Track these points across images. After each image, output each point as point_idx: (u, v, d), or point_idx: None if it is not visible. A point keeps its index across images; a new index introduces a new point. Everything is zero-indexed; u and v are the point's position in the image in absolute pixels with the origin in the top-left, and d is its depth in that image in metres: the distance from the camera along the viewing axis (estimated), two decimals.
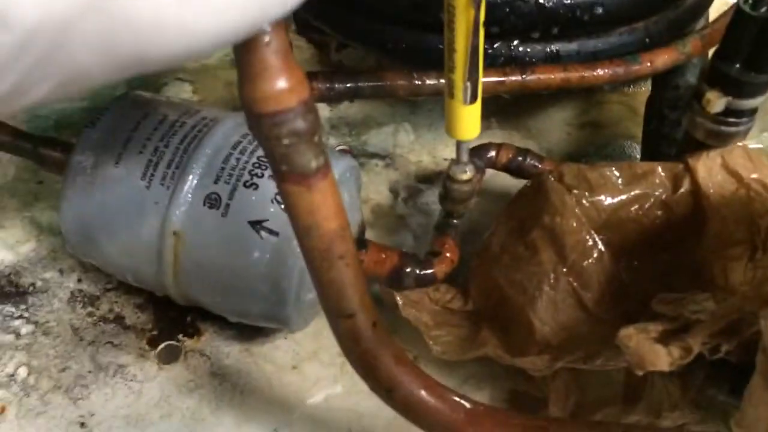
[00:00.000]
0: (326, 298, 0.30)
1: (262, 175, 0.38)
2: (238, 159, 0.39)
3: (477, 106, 0.35)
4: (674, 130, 0.48)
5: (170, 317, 0.46)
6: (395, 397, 0.32)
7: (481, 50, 0.33)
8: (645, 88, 0.60)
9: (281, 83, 0.25)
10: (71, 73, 0.18)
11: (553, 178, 0.41)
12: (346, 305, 0.30)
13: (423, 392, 0.32)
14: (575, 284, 0.38)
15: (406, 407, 0.32)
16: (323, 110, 0.60)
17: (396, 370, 0.31)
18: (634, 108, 0.61)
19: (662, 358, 0.31)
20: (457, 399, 0.32)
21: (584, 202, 0.40)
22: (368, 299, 0.31)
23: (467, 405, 0.32)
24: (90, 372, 0.44)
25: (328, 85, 0.45)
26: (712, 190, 0.40)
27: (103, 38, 0.17)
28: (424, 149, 0.59)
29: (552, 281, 0.38)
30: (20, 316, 0.46)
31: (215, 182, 0.38)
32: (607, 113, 0.62)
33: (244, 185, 0.38)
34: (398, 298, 0.41)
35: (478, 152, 0.48)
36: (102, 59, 0.18)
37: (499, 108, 0.61)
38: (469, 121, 0.36)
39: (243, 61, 0.24)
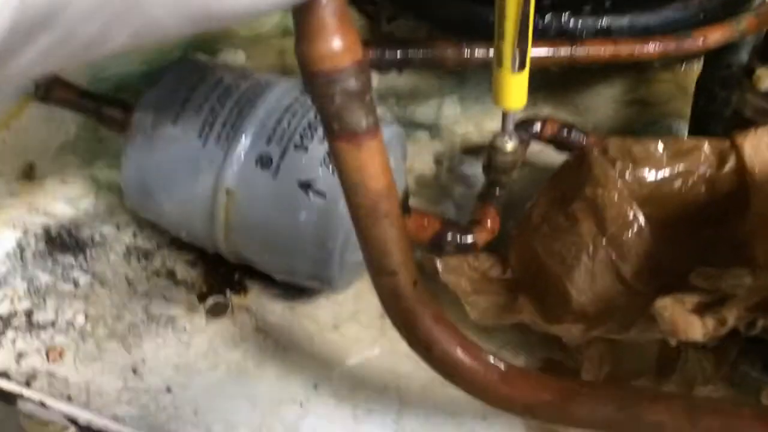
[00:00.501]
0: (370, 254, 0.31)
1: (312, 138, 0.39)
2: (289, 122, 0.40)
3: (524, 76, 0.36)
4: (723, 108, 0.48)
5: (219, 274, 0.48)
6: (432, 355, 0.33)
7: (532, 18, 0.34)
8: (697, 67, 0.59)
9: (336, 43, 0.26)
10: (146, 25, 0.19)
11: (596, 151, 0.41)
12: (388, 262, 0.31)
13: (459, 351, 0.33)
14: (614, 256, 0.39)
15: (442, 365, 0.33)
16: (372, 80, 0.61)
17: (434, 328, 0.32)
18: (684, 87, 0.61)
19: (697, 328, 0.32)
20: (492, 359, 0.33)
21: (627, 175, 0.40)
22: (410, 258, 0.32)
23: (501, 366, 0.33)
24: (143, 322, 0.46)
25: (379, 53, 0.46)
26: (757, 168, 0.39)
27: None
28: (470, 121, 0.59)
29: (591, 252, 0.39)
30: (79, 267, 0.49)
31: (267, 143, 0.40)
32: (656, 91, 0.61)
33: (295, 147, 0.40)
34: (438, 264, 0.42)
35: (523, 125, 0.48)
36: (173, 12, 0.19)
37: (546, 83, 0.61)
38: (516, 90, 0.37)
39: (300, 21, 0.26)
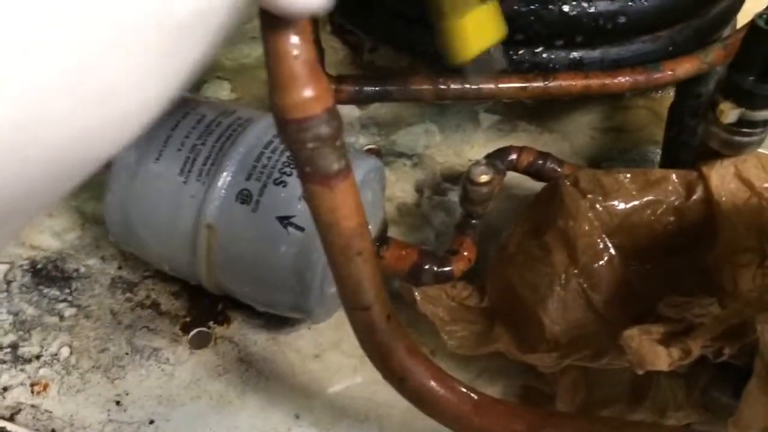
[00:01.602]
0: (344, 290, 0.32)
1: (291, 174, 0.40)
2: (269, 158, 0.41)
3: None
4: (693, 138, 0.49)
5: (202, 305, 0.49)
6: (407, 387, 0.34)
7: None
8: (672, 93, 0.60)
9: (307, 92, 0.27)
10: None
11: (568, 183, 0.42)
12: (362, 298, 0.32)
13: (433, 383, 0.34)
14: (585, 285, 0.40)
15: (416, 396, 0.34)
16: (353, 110, 0.62)
17: (408, 361, 0.33)
18: (659, 113, 0.62)
19: (662, 359, 0.33)
20: (465, 390, 0.34)
21: (598, 206, 0.41)
22: (383, 293, 0.33)
23: (475, 396, 0.34)
24: (127, 354, 0.47)
25: (357, 88, 0.47)
26: (724, 198, 0.41)
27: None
28: (450, 149, 0.61)
29: (563, 282, 0.40)
30: (64, 300, 0.49)
31: (247, 179, 0.41)
32: (633, 118, 0.63)
33: (274, 183, 0.41)
34: (416, 294, 0.43)
35: (499, 155, 0.49)
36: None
37: (525, 111, 0.63)
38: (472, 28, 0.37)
39: (273, 71, 0.27)
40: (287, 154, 0.41)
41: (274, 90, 0.27)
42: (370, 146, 0.60)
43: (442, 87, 0.47)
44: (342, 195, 0.29)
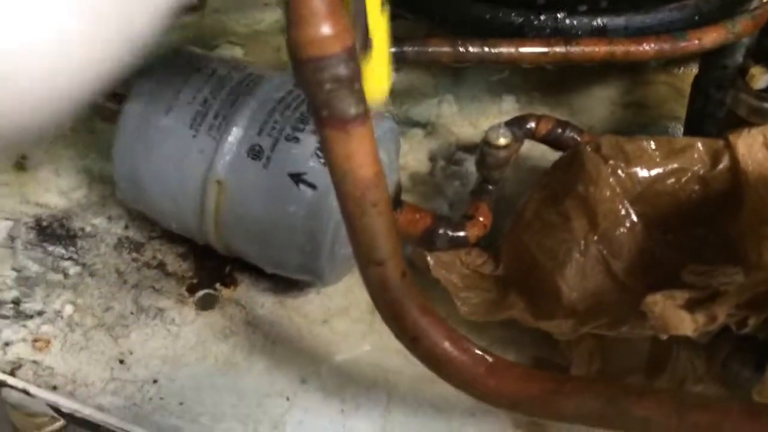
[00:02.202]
0: (358, 244, 0.31)
1: (304, 129, 0.39)
2: (282, 113, 0.40)
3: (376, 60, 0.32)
4: (718, 110, 0.48)
5: (209, 267, 0.48)
6: (419, 347, 0.33)
7: None
8: (694, 69, 0.59)
9: (326, 29, 0.26)
10: None
11: (589, 149, 0.41)
12: (376, 252, 0.31)
13: (447, 343, 0.32)
14: (605, 252, 0.39)
15: (429, 357, 0.33)
16: None
17: (421, 320, 0.32)
18: (681, 89, 0.61)
19: (687, 323, 0.32)
20: (479, 352, 0.33)
21: (620, 173, 0.40)
22: (399, 249, 0.32)
23: (489, 358, 0.33)
24: (132, 313, 0.46)
25: None
26: (751, 168, 0.39)
27: None
28: (465, 120, 0.59)
29: (582, 248, 0.39)
30: (69, 258, 0.49)
31: (259, 134, 0.40)
32: (653, 93, 0.61)
33: (286, 138, 0.39)
34: (429, 259, 0.42)
35: (517, 122, 0.48)
36: None
37: (543, 83, 0.61)
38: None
39: (290, 6, 0.25)
40: (300, 110, 0.40)
41: (291, 25, 0.26)
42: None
43: (461, 49, 0.46)
44: (359, 141, 0.28)
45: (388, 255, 0.31)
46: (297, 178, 0.39)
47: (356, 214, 0.30)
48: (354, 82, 0.27)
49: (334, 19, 0.26)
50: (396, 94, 0.61)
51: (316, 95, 0.27)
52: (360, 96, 0.28)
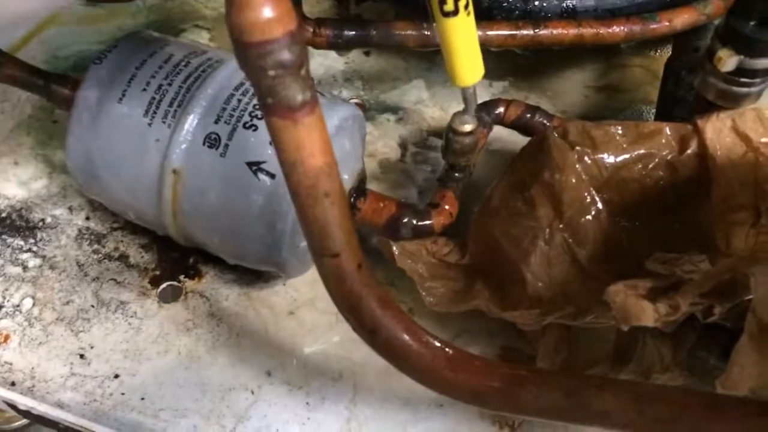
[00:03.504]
0: (311, 236, 0.30)
1: (263, 117, 0.38)
2: (239, 100, 0.39)
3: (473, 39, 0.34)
4: (690, 93, 0.47)
5: (173, 258, 0.47)
6: (377, 339, 0.32)
7: None
8: (669, 52, 0.58)
9: (267, 12, 0.24)
10: None
11: (556, 134, 0.40)
12: (331, 244, 0.30)
13: (405, 336, 0.32)
14: (570, 240, 0.38)
15: (387, 350, 0.32)
16: (337, 63, 0.60)
17: (379, 312, 0.31)
18: (656, 72, 0.60)
19: (648, 314, 0.31)
20: (439, 344, 0.32)
21: (586, 159, 0.39)
22: (354, 240, 0.31)
23: (449, 351, 0.32)
24: (92, 306, 0.45)
25: (336, 31, 0.44)
26: (719, 153, 0.39)
27: None
28: (437, 106, 0.58)
29: (547, 236, 0.38)
30: (29, 250, 0.47)
31: (216, 122, 0.38)
32: (628, 77, 0.61)
33: (244, 126, 0.38)
34: (395, 248, 0.41)
35: (486, 107, 0.47)
36: None
37: (516, 67, 0.60)
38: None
39: None
40: None
41: (230, 9, 0.25)
42: (353, 100, 0.58)
43: (427, 33, 0.44)
44: (307, 130, 0.27)
45: (343, 246, 0.30)
46: (255, 166, 0.38)
47: (308, 205, 0.29)
48: (300, 68, 0.26)
49: (275, 2, 0.25)
50: (367, 79, 0.60)
51: (260, 82, 0.26)
52: (307, 83, 0.26)
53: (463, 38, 0.34)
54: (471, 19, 0.33)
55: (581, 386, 0.29)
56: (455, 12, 0.32)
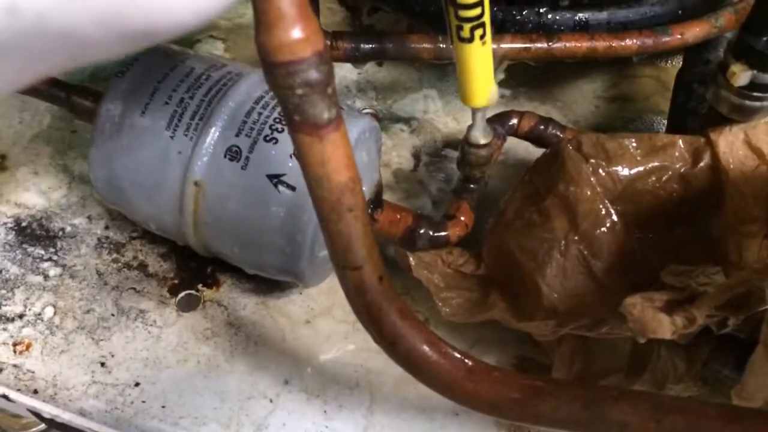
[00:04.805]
0: (334, 249, 0.31)
1: (282, 130, 0.39)
2: (260, 113, 0.40)
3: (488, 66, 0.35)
4: (701, 105, 0.48)
5: (191, 267, 0.48)
6: (398, 350, 0.32)
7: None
8: (681, 63, 0.59)
9: (296, 33, 0.25)
10: (83, 49, 0.18)
11: (570, 147, 0.41)
12: (353, 257, 0.30)
13: (425, 347, 0.32)
14: (585, 252, 0.38)
15: (407, 361, 0.33)
16: (351, 73, 0.61)
17: (400, 323, 0.32)
18: (667, 83, 0.60)
19: (665, 326, 0.31)
20: (458, 355, 0.32)
21: (600, 171, 0.40)
22: (376, 253, 0.31)
23: (468, 362, 0.32)
24: (112, 315, 0.46)
25: (353, 45, 0.45)
26: (732, 166, 0.39)
27: (113, 17, 0.17)
28: (449, 116, 0.59)
29: (562, 248, 0.38)
30: (49, 259, 0.48)
31: (237, 135, 0.39)
32: (639, 87, 0.61)
33: (265, 139, 0.39)
34: (411, 259, 0.41)
35: (500, 119, 0.48)
36: (113, 36, 0.18)
37: (528, 78, 0.61)
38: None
39: (259, 10, 0.25)
40: (279, 110, 0.40)
41: (259, 29, 0.25)
42: (366, 110, 0.59)
43: (442, 46, 0.45)
44: (333, 146, 0.28)
45: (365, 259, 0.31)
46: (276, 179, 0.39)
47: (332, 219, 0.30)
48: (326, 86, 0.27)
49: (303, 23, 0.25)
50: (380, 89, 0.61)
51: (287, 100, 0.27)
52: (333, 100, 0.27)
53: (477, 64, 0.34)
54: (487, 48, 0.34)
55: (599, 397, 0.30)
56: (470, 39, 0.33)
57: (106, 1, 0.17)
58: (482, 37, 0.34)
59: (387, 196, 0.51)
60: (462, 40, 0.34)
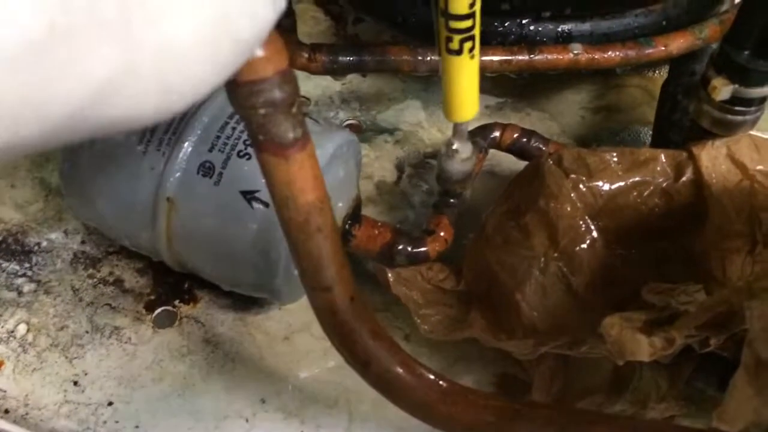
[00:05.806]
0: (304, 270, 0.30)
1: None
2: (233, 128, 0.39)
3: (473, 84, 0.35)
4: (686, 117, 0.47)
5: (168, 283, 0.47)
6: (371, 372, 0.32)
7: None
8: (666, 72, 0.58)
9: (258, 52, 0.24)
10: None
11: (551, 162, 0.40)
12: (323, 278, 0.30)
13: (399, 368, 0.32)
14: (565, 269, 0.38)
15: (381, 382, 0.32)
16: (334, 84, 0.60)
17: (372, 344, 0.31)
18: (653, 93, 0.60)
19: (643, 348, 0.31)
20: (432, 377, 0.32)
21: (581, 186, 0.39)
22: (347, 273, 0.31)
23: (443, 384, 0.32)
24: (87, 332, 0.45)
25: (331, 57, 0.44)
26: (715, 180, 0.38)
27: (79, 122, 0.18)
28: (434, 126, 0.58)
29: (542, 265, 0.38)
30: (24, 275, 0.47)
31: (210, 150, 0.38)
32: (625, 97, 0.61)
33: (238, 155, 0.38)
34: (389, 275, 0.41)
35: (482, 132, 0.47)
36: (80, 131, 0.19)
37: (513, 88, 0.60)
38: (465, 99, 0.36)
39: None
40: None
41: None
42: (350, 121, 0.58)
43: (421, 58, 0.44)
44: (298, 166, 0.27)
45: (335, 280, 0.30)
46: (249, 195, 0.38)
47: (300, 240, 0.29)
48: (290, 105, 0.26)
49: (266, 42, 0.25)
50: (364, 100, 0.60)
51: (251, 120, 0.26)
52: (298, 119, 0.26)
53: (464, 78, 0.34)
54: (475, 61, 0.33)
55: (575, 421, 0.29)
56: (459, 52, 0.32)
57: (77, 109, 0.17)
58: (471, 50, 0.33)
59: (370, 208, 0.51)
60: (450, 52, 0.33)
